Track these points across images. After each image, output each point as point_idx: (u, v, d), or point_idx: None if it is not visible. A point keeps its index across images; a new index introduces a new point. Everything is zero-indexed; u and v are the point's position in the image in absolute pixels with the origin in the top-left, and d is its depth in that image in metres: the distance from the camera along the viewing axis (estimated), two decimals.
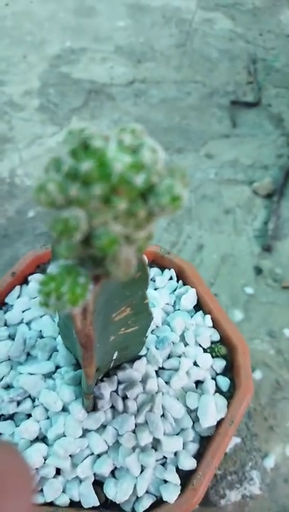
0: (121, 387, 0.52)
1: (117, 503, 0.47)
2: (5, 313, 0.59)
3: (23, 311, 0.58)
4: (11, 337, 0.56)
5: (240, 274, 0.99)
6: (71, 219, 0.21)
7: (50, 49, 1.51)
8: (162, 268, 0.64)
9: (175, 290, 0.62)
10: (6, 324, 0.58)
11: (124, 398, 0.51)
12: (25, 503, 0.22)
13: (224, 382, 0.55)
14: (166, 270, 0.64)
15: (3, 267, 0.98)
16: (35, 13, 1.65)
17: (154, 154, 0.23)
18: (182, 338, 0.57)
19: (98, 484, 0.48)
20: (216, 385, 0.55)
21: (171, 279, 0.64)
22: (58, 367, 0.53)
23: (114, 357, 0.47)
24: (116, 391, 0.52)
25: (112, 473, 0.48)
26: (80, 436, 0.48)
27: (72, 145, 0.23)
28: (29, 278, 0.62)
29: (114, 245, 0.22)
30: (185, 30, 1.62)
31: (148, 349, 0.54)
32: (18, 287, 0.61)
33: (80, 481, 0.47)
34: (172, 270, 0.63)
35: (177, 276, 0.64)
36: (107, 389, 0.51)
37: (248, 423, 0.76)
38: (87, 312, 0.28)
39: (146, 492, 0.48)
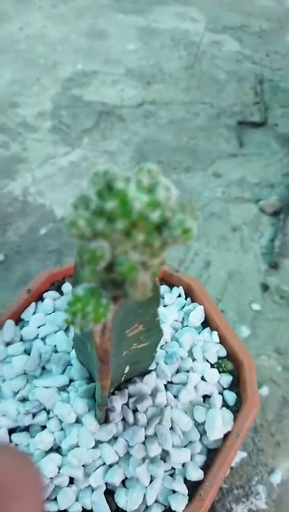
0: (131, 400, 0.54)
1: (128, 511, 0.49)
2: (21, 328, 0.62)
3: (38, 327, 0.61)
4: (27, 352, 0.59)
5: (247, 290, 1.02)
6: (98, 249, 0.25)
7: (62, 72, 1.56)
8: (171, 286, 0.67)
9: (183, 307, 0.65)
10: (21, 339, 0.61)
11: (135, 411, 0.54)
12: (34, 508, 0.23)
13: (231, 397, 0.58)
14: (175, 288, 0.66)
15: (16, 283, 1.01)
16: (48, 37, 1.71)
17: (167, 192, 0.27)
18: (190, 353, 0.60)
19: (109, 493, 0.50)
20: (223, 399, 0.57)
21: (179, 296, 0.66)
22: (71, 380, 0.56)
23: (126, 371, 0.50)
24: (127, 404, 0.54)
25: (123, 482, 0.51)
26: (93, 447, 0.51)
27: (98, 186, 0.26)
28: (44, 295, 0.65)
29: (133, 271, 0.25)
30: (193, 53, 1.67)
31: (157, 364, 0.57)
32: (33, 304, 0.64)
33: (93, 490, 0.50)
34: (181, 288, 0.66)
35: (185, 293, 0.66)
36: (118, 402, 0.53)
37: (254, 438, 0.78)
38: (106, 329, 0.31)
39: (156, 501, 0.50)
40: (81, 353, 0.52)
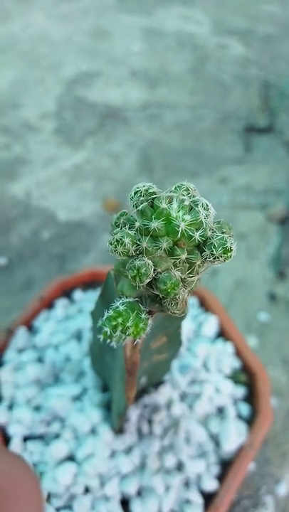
0: (147, 410, 0.53)
1: None
2: (33, 336, 0.60)
3: (50, 335, 0.60)
4: (40, 360, 0.58)
5: (253, 299, 1.01)
6: (142, 267, 0.25)
7: (66, 72, 1.55)
8: None
9: (196, 318, 0.64)
10: (34, 347, 0.59)
11: (150, 421, 0.53)
12: (35, 509, 0.23)
13: (245, 409, 0.57)
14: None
15: (19, 288, 1.00)
16: (52, 37, 1.70)
17: (206, 211, 0.26)
18: (204, 364, 0.59)
19: (125, 502, 0.50)
20: (237, 411, 0.57)
21: (192, 306, 0.65)
22: (85, 389, 0.55)
23: (142, 381, 0.49)
24: (142, 414, 0.53)
25: (138, 492, 0.50)
26: (108, 457, 0.50)
27: (141, 206, 0.26)
28: (55, 302, 0.64)
29: (176, 288, 0.25)
30: (198, 56, 1.66)
31: (172, 374, 0.56)
32: (45, 311, 0.63)
33: (108, 499, 0.49)
34: (194, 298, 0.65)
35: (199, 303, 0.65)
36: (133, 412, 0.52)
37: (262, 448, 0.77)
38: (138, 342, 0.30)
39: (171, 510, 0.49)
40: (97, 363, 0.51)
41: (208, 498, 0.51)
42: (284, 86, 1.54)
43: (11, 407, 0.55)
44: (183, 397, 0.56)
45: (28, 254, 1.07)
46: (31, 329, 0.62)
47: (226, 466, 0.53)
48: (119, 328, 0.26)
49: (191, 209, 0.26)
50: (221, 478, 0.52)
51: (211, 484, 0.51)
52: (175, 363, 0.57)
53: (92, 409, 0.52)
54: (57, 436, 0.52)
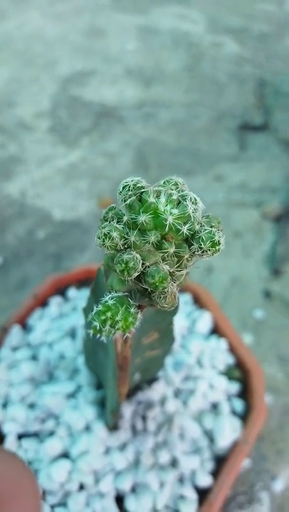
0: (140, 407, 0.53)
1: None
2: (27, 334, 0.61)
3: (44, 333, 0.60)
4: (34, 357, 0.58)
5: (249, 297, 1.01)
6: (130, 261, 0.25)
7: (60, 71, 1.55)
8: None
9: (190, 314, 0.64)
10: (28, 345, 0.59)
11: (144, 418, 0.53)
12: (33, 508, 0.23)
13: (239, 405, 0.57)
14: (181, 295, 0.66)
15: (15, 287, 1.00)
16: (46, 36, 1.70)
17: (195, 205, 0.26)
18: (198, 360, 0.59)
19: (119, 499, 0.50)
20: (231, 407, 0.57)
21: (186, 303, 0.65)
22: (79, 386, 0.55)
23: (136, 377, 0.49)
24: (136, 411, 0.53)
25: (133, 488, 0.50)
26: (103, 454, 0.50)
27: (129, 200, 0.26)
28: (49, 300, 0.64)
29: (164, 282, 0.25)
30: (194, 54, 1.66)
31: (165, 371, 0.56)
32: (39, 309, 0.63)
33: (103, 496, 0.49)
34: (188, 295, 0.65)
35: (192, 300, 0.66)
36: (127, 409, 0.52)
37: (257, 444, 0.77)
38: (129, 337, 0.30)
39: (165, 506, 0.49)
40: (91, 360, 0.51)
41: (203, 493, 0.51)
42: (279, 84, 1.55)
43: (5, 405, 0.55)
44: (177, 393, 0.56)
45: (23, 254, 1.07)
46: (25, 327, 0.62)
47: (220, 461, 0.53)
48: (109, 322, 0.26)
49: (179, 203, 0.27)
50: (216, 474, 0.52)
51: (205, 480, 0.51)
52: (169, 360, 0.57)
53: (87, 406, 0.52)
54: (51, 433, 0.52)
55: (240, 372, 0.59)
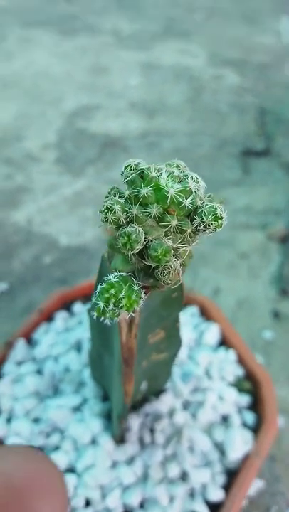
0: (148, 419, 0.52)
1: None
2: (32, 348, 0.60)
3: (50, 347, 0.59)
4: (39, 371, 0.57)
5: (257, 318, 1.00)
6: (133, 233, 0.25)
7: (66, 106, 1.59)
8: (184, 305, 0.66)
9: (197, 326, 0.63)
10: (33, 359, 0.59)
11: (152, 430, 0.52)
12: (60, 503, 0.24)
13: (250, 417, 0.56)
14: (189, 307, 0.65)
15: (21, 313, 1.00)
16: (53, 73, 1.76)
17: (196, 183, 0.27)
18: (207, 372, 0.58)
19: None
20: (242, 419, 0.55)
21: (192, 315, 0.65)
22: (85, 399, 0.54)
23: (143, 387, 0.48)
24: (143, 423, 0.52)
25: (141, 504, 0.48)
26: (110, 468, 0.48)
27: (131, 176, 0.26)
28: (55, 315, 0.64)
29: (167, 255, 0.25)
30: (195, 87, 1.71)
31: (173, 382, 0.55)
32: (44, 324, 0.62)
33: None
34: (194, 307, 0.64)
35: (199, 312, 0.65)
36: (134, 421, 0.51)
37: (271, 466, 0.74)
38: (133, 324, 0.30)
39: None
40: (96, 370, 0.50)
41: (215, 508, 0.49)
42: (280, 111, 1.58)
43: (9, 420, 0.53)
44: (186, 405, 0.55)
45: (29, 279, 1.07)
46: (30, 342, 0.61)
47: (231, 475, 0.51)
48: (112, 300, 0.26)
49: (180, 180, 0.27)
50: (227, 487, 0.50)
51: (216, 494, 0.49)
52: (176, 371, 0.56)
53: (93, 418, 0.51)
54: (56, 448, 0.51)
55: (250, 384, 0.58)
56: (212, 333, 0.61)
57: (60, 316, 0.63)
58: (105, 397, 0.54)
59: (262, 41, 2.00)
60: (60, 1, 2.31)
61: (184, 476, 0.50)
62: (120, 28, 2.08)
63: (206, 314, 0.64)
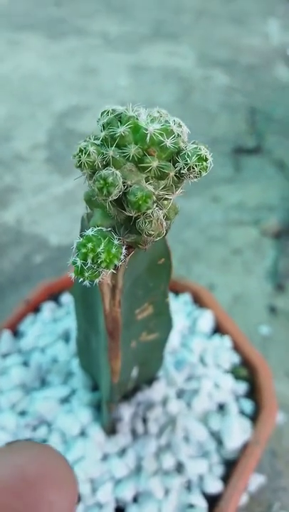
0: (140, 408, 0.49)
1: None
2: (18, 340, 0.57)
3: (36, 338, 0.57)
4: (25, 363, 0.55)
5: (253, 313, 0.97)
6: (109, 175, 0.23)
7: (56, 107, 1.58)
8: (177, 293, 0.63)
9: (190, 314, 0.61)
10: (19, 351, 0.56)
11: (145, 420, 0.49)
12: (71, 495, 0.25)
13: (247, 405, 0.53)
14: (181, 294, 0.63)
15: (10, 312, 0.97)
16: (42, 75, 1.75)
17: (179, 127, 0.24)
18: (201, 359, 0.55)
19: (120, 510, 0.45)
20: (239, 407, 0.53)
21: (186, 304, 0.62)
22: (73, 391, 0.51)
23: (134, 373, 0.46)
24: (136, 413, 0.49)
25: (135, 498, 0.45)
26: (100, 460, 0.46)
27: (107, 118, 0.24)
28: (42, 306, 0.61)
29: (147, 200, 0.23)
30: (184, 88, 1.70)
31: (166, 370, 0.52)
32: (31, 315, 0.60)
33: (101, 507, 0.44)
34: (187, 294, 0.62)
35: (193, 300, 0.63)
36: (126, 410, 0.48)
37: (271, 461, 0.72)
38: (117, 289, 0.28)
39: None
40: (84, 356, 0.48)
41: (213, 501, 0.46)
42: (270, 111, 1.57)
43: None
44: (180, 393, 0.52)
45: (19, 279, 1.04)
46: (16, 334, 0.59)
47: (230, 465, 0.48)
48: (90, 255, 0.23)
49: (161, 122, 0.24)
50: (226, 479, 0.47)
51: (214, 486, 0.46)
52: (169, 359, 0.54)
53: (81, 409, 0.48)
54: (44, 441, 0.48)
55: (246, 371, 0.55)
56: (206, 319, 0.59)
57: (48, 307, 0.60)
58: (95, 387, 0.51)
59: (250, 43, 2.00)
60: (49, 4, 2.31)
61: (179, 468, 0.47)
62: (109, 30, 2.08)
63: (199, 301, 0.61)
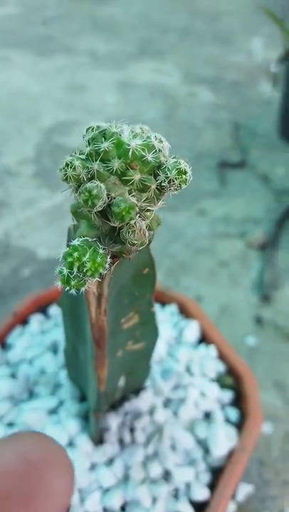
0: (128, 418, 0.50)
1: None
2: (6, 352, 0.58)
3: (24, 350, 0.57)
4: (13, 375, 0.55)
5: (240, 324, 0.99)
6: (94, 188, 0.24)
7: (44, 123, 1.60)
8: (163, 303, 0.64)
9: (177, 324, 0.62)
10: (7, 363, 0.57)
11: (132, 429, 0.50)
12: (68, 478, 0.28)
13: (233, 413, 0.54)
14: (167, 305, 0.64)
15: None
16: (30, 92, 1.77)
17: (161, 143, 0.26)
18: (187, 369, 0.56)
19: None
20: (225, 416, 0.54)
21: (172, 314, 0.64)
22: (61, 402, 0.52)
23: (121, 383, 0.46)
24: (123, 422, 0.50)
25: (122, 507, 0.46)
26: (88, 470, 0.46)
27: (92, 134, 0.26)
28: (30, 318, 0.62)
29: (130, 211, 0.24)
30: (170, 104, 1.73)
31: (153, 380, 0.53)
32: (19, 327, 0.60)
33: None
34: (173, 305, 0.63)
35: (179, 311, 0.64)
36: (113, 420, 0.49)
37: (259, 470, 0.73)
38: (102, 298, 0.29)
39: None
40: (72, 368, 0.49)
41: (200, 508, 0.47)
42: (254, 126, 1.60)
43: None
44: (166, 403, 0.53)
45: (7, 292, 1.05)
46: (4, 346, 0.59)
47: (216, 473, 0.49)
48: (76, 264, 0.24)
49: (143, 138, 0.26)
50: (213, 486, 0.48)
51: (201, 493, 0.47)
52: (156, 368, 0.55)
53: (69, 420, 0.49)
54: None
55: (232, 380, 0.57)
56: (192, 330, 0.60)
57: (36, 319, 0.61)
58: (82, 398, 0.52)
59: (234, 60, 2.04)
60: (37, 23, 2.34)
61: (166, 476, 0.48)
62: (96, 48, 2.11)
63: (185, 312, 0.63)
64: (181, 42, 2.20)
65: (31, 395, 0.53)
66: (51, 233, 1.19)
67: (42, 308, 0.63)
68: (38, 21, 2.37)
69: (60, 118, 1.62)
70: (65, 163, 0.25)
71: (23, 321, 0.62)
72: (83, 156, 0.25)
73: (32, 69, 1.92)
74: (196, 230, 1.20)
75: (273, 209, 1.27)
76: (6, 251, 1.15)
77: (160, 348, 0.56)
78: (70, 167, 0.25)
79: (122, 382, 0.47)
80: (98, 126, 0.26)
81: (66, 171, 0.25)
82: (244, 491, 0.68)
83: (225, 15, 2.52)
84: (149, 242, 0.27)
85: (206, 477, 0.48)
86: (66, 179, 0.25)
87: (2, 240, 1.17)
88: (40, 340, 0.58)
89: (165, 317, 0.62)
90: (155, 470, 0.47)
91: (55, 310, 0.63)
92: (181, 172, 0.25)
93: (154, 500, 0.46)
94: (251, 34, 2.27)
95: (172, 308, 0.63)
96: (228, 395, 0.55)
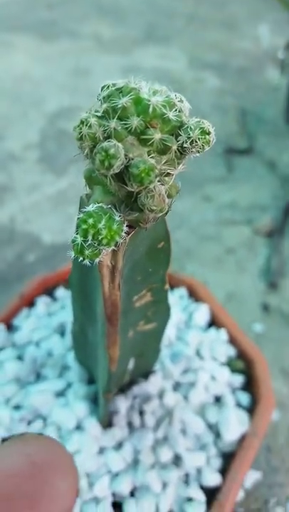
0: (137, 401, 0.49)
1: None
2: (12, 334, 0.57)
3: (31, 332, 0.56)
4: (20, 357, 0.54)
5: (247, 311, 0.97)
6: (111, 147, 0.22)
7: (48, 108, 1.58)
8: (172, 287, 0.63)
9: (186, 308, 0.60)
10: (13, 345, 0.55)
11: (141, 412, 0.48)
12: (72, 480, 0.28)
13: (244, 397, 0.53)
14: (176, 289, 0.62)
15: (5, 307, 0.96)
16: (34, 76, 1.74)
17: (181, 102, 0.24)
18: (197, 352, 0.55)
19: (117, 506, 0.44)
20: (236, 400, 0.53)
21: (182, 298, 0.62)
22: (69, 384, 0.51)
23: (130, 366, 0.45)
24: (132, 406, 0.49)
25: (132, 492, 0.45)
26: (97, 454, 0.45)
27: (108, 91, 0.24)
28: (36, 300, 0.60)
29: (150, 173, 0.22)
30: (176, 89, 1.70)
31: (162, 363, 0.52)
32: (25, 309, 0.59)
33: (98, 502, 0.43)
34: (183, 288, 0.62)
35: (188, 295, 0.62)
36: (122, 403, 0.48)
37: (267, 457, 0.72)
38: (116, 271, 0.27)
39: (170, 511, 0.44)
40: (80, 349, 0.47)
41: (211, 494, 0.46)
42: (260, 112, 1.58)
43: None
44: (176, 386, 0.52)
45: (12, 278, 1.03)
46: (11, 328, 0.58)
47: (228, 458, 0.48)
48: (91, 232, 0.23)
49: (164, 96, 0.24)
50: (224, 471, 0.47)
51: (213, 479, 0.46)
52: (165, 352, 0.53)
53: (77, 402, 0.48)
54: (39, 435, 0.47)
55: (243, 364, 0.55)
56: (201, 313, 0.58)
57: (42, 301, 0.59)
58: (91, 380, 0.50)
59: (241, 46, 2.01)
60: (41, 7, 2.31)
61: (176, 461, 0.47)
62: (101, 33, 2.08)
63: (194, 295, 0.61)
64: (187, 27, 2.16)
65: (38, 377, 0.52)
66: (56, 218, 1.17)
67: (49, 291, 0.62)
68: (42, 5, 2.34)
69: (64, 103, 1.60)
70: (80, 121, 0.23)
71: (30, 303, 0.60)
72: (99, 114, 0.23)
73: (36, 53, 1.89)
74: (202, 217, 1.18)
75: (280, 196, 1.25)
76: (10, 236, 1.13)
77: (169, 332, 0.55)
78: (86, 125, 0.23)
79: (131, 364, 0.45)
80: (114, 84, 0.24)
81: (81, 128, 0.23)
82: (252, 477, 0.67)
83: (231, 0, 2.48)
84: (168, 209, 0.25)
85: (217, 462, 0.47)
86: (81, 138, 0.23)
87: (7, 225, 1.15)
88: (47, 322, 0.56)
89: (174, 300, 0.60)
90: (165, 454, 0.46)
91: (62, 292, 0.61)
92: (205, 132, 0.23)
93: (164, 485, 0.45)
94: (258, 20, 2.23)
95: (181, 291, 0.62)
96: (238, 379, 0.54)
